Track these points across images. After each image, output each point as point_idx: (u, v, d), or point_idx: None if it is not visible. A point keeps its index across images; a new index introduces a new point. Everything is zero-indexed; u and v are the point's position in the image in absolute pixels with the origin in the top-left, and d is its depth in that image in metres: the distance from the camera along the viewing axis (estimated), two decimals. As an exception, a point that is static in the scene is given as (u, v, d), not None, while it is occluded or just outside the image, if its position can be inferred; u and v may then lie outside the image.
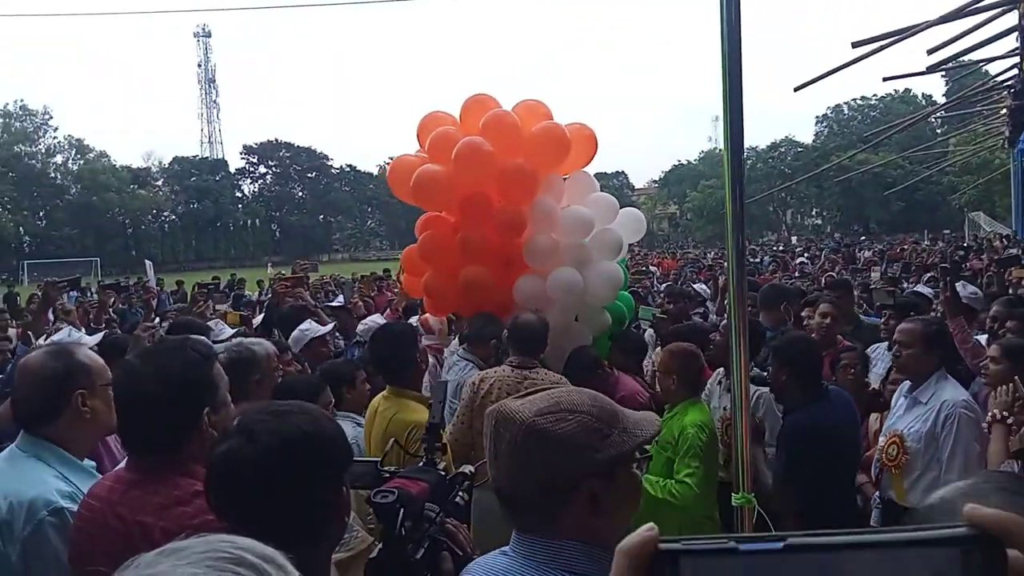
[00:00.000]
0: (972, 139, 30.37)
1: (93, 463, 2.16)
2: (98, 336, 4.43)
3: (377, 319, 5.99)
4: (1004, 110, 18.57)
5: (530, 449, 1.27)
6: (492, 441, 1.33)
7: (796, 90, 12.25)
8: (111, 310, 9.78)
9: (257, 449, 1.34)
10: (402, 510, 1.39)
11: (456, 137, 4.29)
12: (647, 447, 1.38)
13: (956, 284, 4.83)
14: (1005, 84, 16.01)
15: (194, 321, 4.51)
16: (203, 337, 2.82)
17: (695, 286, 9.91)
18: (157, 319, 5.47)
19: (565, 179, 4.64)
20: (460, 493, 1.66)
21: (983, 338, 4.57)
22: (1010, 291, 6.52)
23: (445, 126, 4.49)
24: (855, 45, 10.59)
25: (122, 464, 1.86)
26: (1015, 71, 13.84)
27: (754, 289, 5.55)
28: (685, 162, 79.25)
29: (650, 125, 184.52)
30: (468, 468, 1.79)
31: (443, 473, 1.66)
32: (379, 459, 1.65)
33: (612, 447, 1.28)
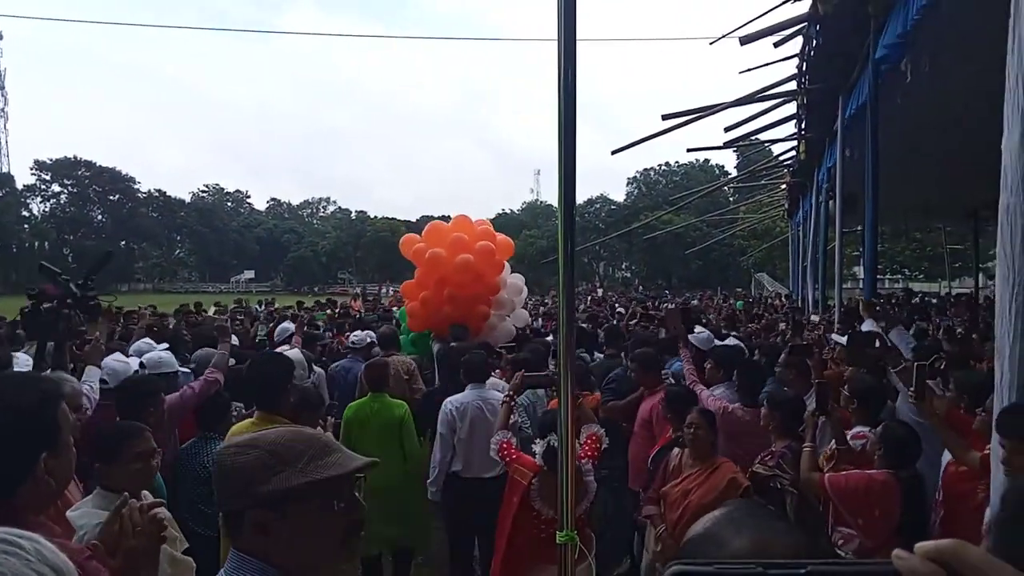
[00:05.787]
0: (758, 208, 33.90)
1: None
2: None
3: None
4: (784, 186, 21.11)
5: (215, 476, 1.46)
6: None
7: (614, 153, 13.16)
8: None
9: None
10: None
11: (465, 241, 8.57)
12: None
13: (695, 328, 6.70)
14: (785, 163, 18.24)
15: None
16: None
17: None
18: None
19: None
20: None
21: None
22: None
23: (457, 232, 8.82)
24: (665, 118, 11.61)
25: None
26: (793, 153, 15.84)
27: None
28: (509, 211, 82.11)
29: (479, 175, 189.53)
30: None
31: None
32: None
33: (277, 483, 1.39)
